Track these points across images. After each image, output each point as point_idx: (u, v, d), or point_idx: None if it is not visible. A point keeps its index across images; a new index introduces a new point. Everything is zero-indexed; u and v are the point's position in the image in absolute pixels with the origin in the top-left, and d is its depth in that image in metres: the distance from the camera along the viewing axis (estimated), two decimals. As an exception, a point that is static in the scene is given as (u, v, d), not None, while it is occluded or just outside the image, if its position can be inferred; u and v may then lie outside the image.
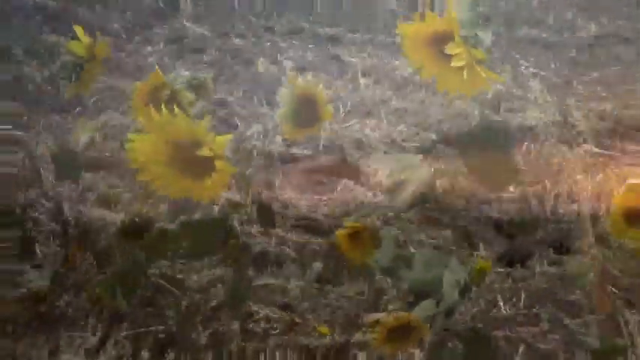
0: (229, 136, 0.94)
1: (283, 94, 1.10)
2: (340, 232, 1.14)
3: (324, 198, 1.65)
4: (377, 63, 2.29)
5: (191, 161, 0.95)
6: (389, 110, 2.02)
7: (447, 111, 1.92)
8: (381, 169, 1.27)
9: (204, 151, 0.93)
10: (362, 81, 2.21)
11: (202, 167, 0.95)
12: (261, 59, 2.34)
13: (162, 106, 0.95)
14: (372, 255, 1.15)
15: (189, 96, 1.07)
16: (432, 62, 0.94)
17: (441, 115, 1.92)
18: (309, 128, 1.12)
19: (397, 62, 2.26)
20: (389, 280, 1.34)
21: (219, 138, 0.94)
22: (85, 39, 1.10)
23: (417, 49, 0.94)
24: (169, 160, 0.96)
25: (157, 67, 1.12)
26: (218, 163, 0.94)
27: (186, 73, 1.13)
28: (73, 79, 1.12)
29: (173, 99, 1.06)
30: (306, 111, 1.10)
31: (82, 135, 1.29)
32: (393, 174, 1.10)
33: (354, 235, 1.14)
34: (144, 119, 0.95)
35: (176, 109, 0.94)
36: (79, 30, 1.09)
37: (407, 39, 0.94)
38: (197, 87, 1.13)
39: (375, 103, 2.06)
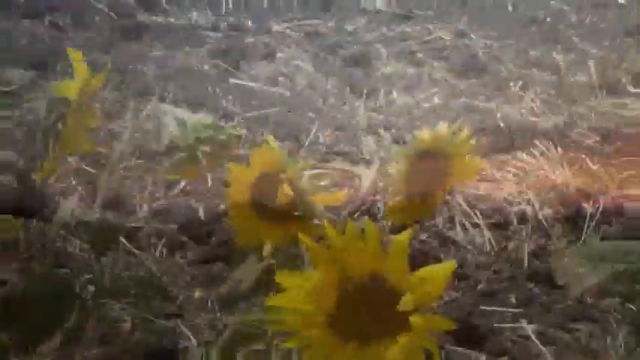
0: (452, 265, 0.55)
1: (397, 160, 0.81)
2: None
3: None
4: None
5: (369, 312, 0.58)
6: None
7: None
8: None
9: (406, 304, 0.54)
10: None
11: (386, 323, 0.56)
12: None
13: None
14: None
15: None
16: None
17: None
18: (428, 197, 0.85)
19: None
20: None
21: (434, 271, 0.55)
22: (83, 71, 0.68)
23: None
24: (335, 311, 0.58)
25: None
26: (415, 321, 0.54)
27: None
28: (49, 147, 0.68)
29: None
30: (425, 171, 0.84)
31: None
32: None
33: None
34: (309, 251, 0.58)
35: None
36: (76, 56, 0.67)
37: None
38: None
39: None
